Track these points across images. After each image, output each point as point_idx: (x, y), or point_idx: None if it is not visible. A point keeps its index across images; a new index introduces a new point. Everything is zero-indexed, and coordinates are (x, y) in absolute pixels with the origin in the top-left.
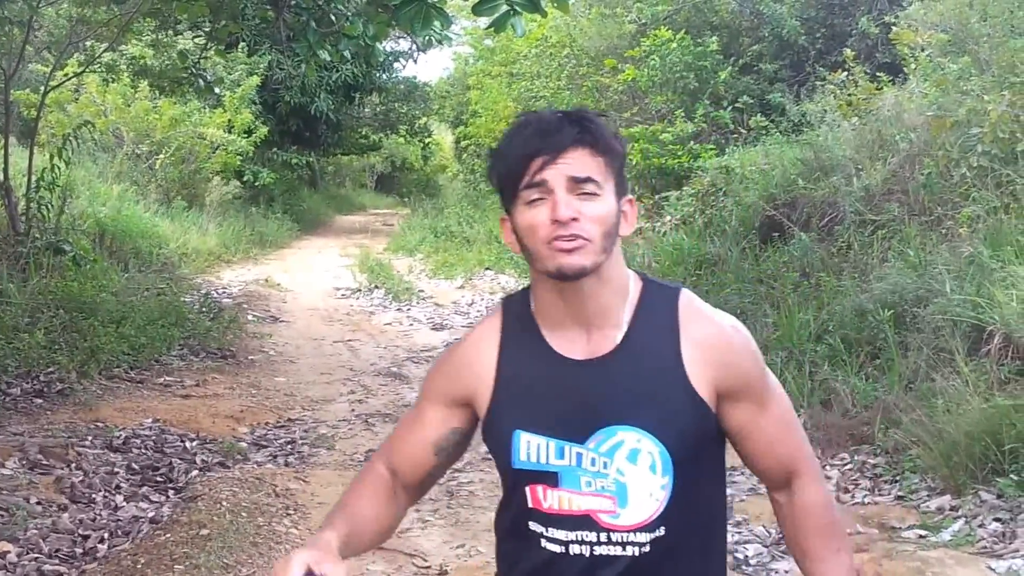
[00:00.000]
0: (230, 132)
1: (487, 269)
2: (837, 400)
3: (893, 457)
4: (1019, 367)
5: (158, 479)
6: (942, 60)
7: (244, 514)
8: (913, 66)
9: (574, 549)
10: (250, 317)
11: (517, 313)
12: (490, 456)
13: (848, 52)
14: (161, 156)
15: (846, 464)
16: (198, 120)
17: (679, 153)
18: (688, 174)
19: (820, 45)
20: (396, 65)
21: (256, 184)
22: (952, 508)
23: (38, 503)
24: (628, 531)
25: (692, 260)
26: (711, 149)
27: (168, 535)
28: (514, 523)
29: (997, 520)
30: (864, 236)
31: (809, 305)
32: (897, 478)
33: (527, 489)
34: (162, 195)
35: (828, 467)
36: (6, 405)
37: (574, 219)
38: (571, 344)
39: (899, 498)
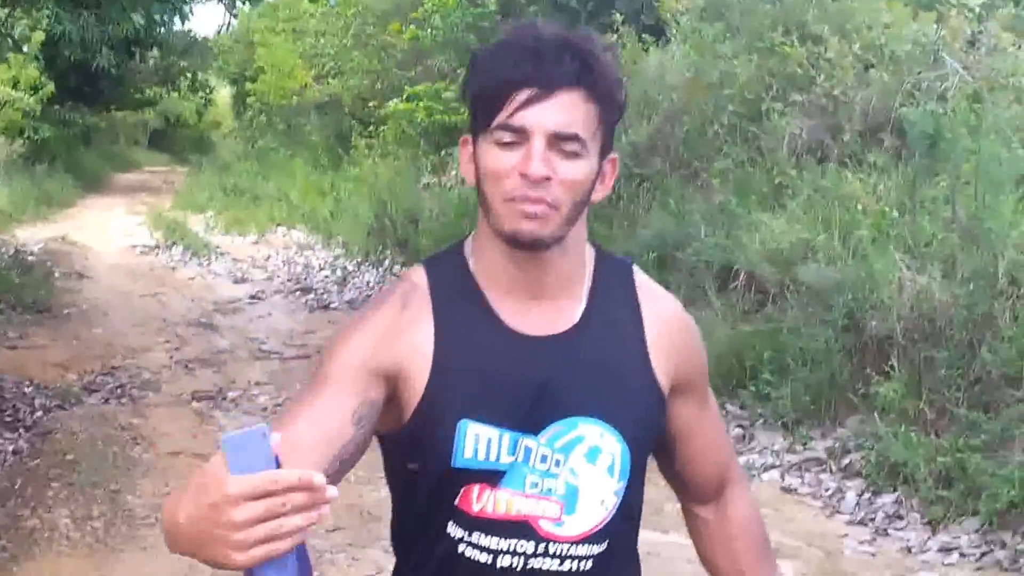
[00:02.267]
0: (15, 88)
1: (279, 225)
2: None
3: None
4: (760, 299)
5: (7, 419)
6: (700, 25)
7: (99, 443)
8: (674, 30)
9: (504, 560)
10: (57, 274)
11: (450, 276)
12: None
13: (617, 16)
14: None
15: None
16: None
17: (462, 110)
18: None
19: (591, 7)
20: (175, 19)
21: (38, 141)
22: None
23: None
24: (570, 542)
25: (476, 211)
26: None
27: (37, 461)
28: (427, 525)
29: (739, 427)
30: (632, 188)
31: None
32: None
33: (460, 490)
34: None
35: None
36: None
37: (547, 178)
38: (523, 317)
39: None
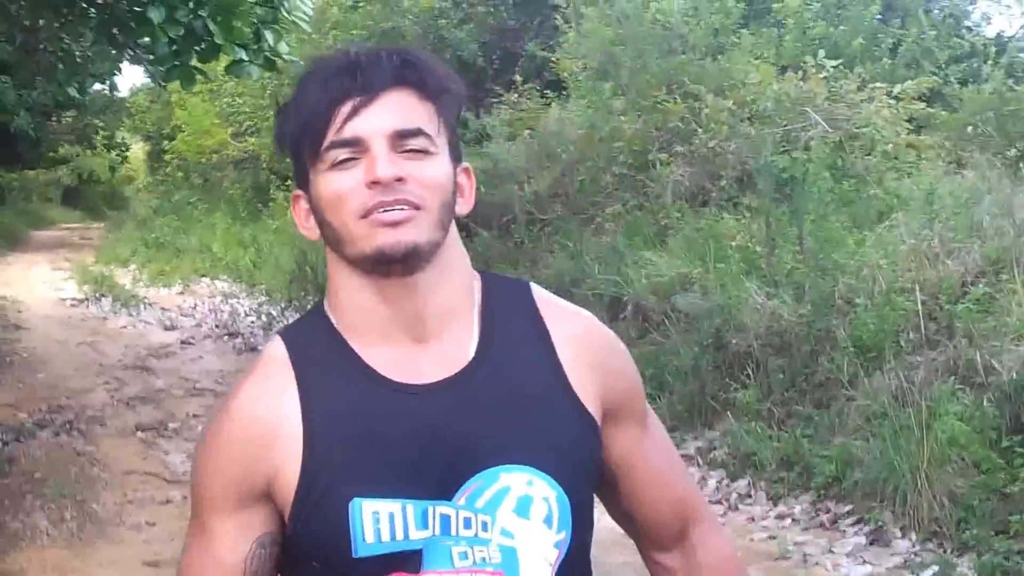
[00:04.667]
0: None
1: (202, 276)
2: None
3: None
4: (645, 327)
5: None
6: (596, 83)
7: (61, 465)
8: (572, 87)
9: None
10: None
11: (312, 339)
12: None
13: (519, 76)
14: None
15: None
16: None
17: None
18: None
19: (496, 66)
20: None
21: None
22: None
23: None
24: None
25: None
26: None
27: (7, 480)
28: None
29: None
30: (534, 232)
31: None
32: None
33: None
34: None
35: None
36: None
37: (399, 179)
38: (405, 365)
39: None
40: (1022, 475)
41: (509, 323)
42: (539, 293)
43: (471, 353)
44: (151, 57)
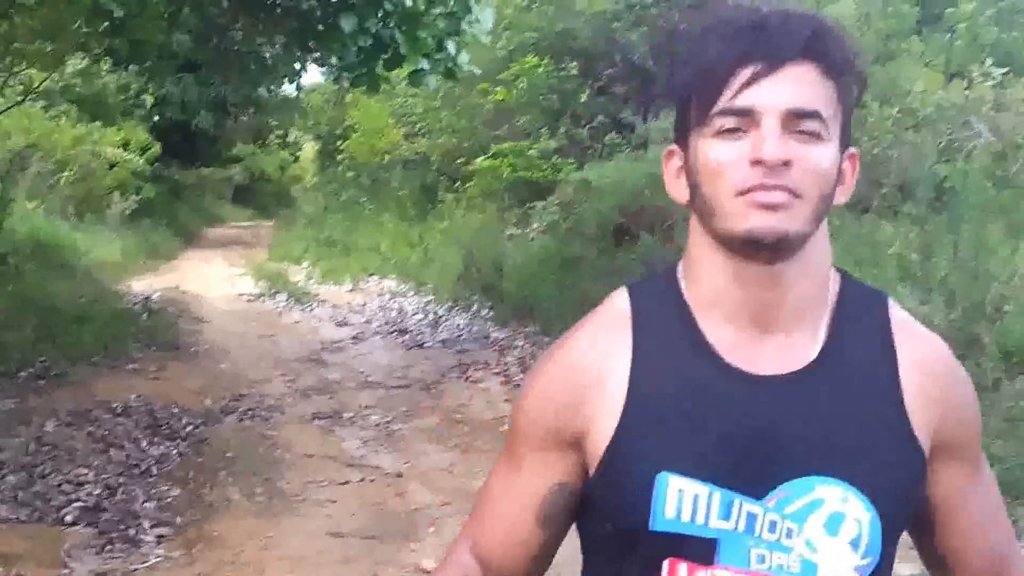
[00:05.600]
0: (125, 149)
1: (371, 275)
2: None
3: None
4: None
5: (165, 431)
6: None
7: (248, 447)
8: None
9: None
10: (179, 318)
11: (658, 302)
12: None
13: None
14: (65, 174)
15: None
16: (98, 139)
17: (544, 167)
18: (552, 186)
19: (666, 69)
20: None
21: (141, 199)
22: None
23: (78, 449)
24: None
25: (557, 260)
26: (571, 163)
27: (201, 458)
28: None
29: None
30: None
31: None
32: None
33: (664, 564)
34: (66, 210)
35: None
36: (18, 386)
37: (785, 163)
38: (746, 351)
39: None
40: None
41: (858, 332)
42: (895, 310)
43: (814, 354)
44: (337, 60)
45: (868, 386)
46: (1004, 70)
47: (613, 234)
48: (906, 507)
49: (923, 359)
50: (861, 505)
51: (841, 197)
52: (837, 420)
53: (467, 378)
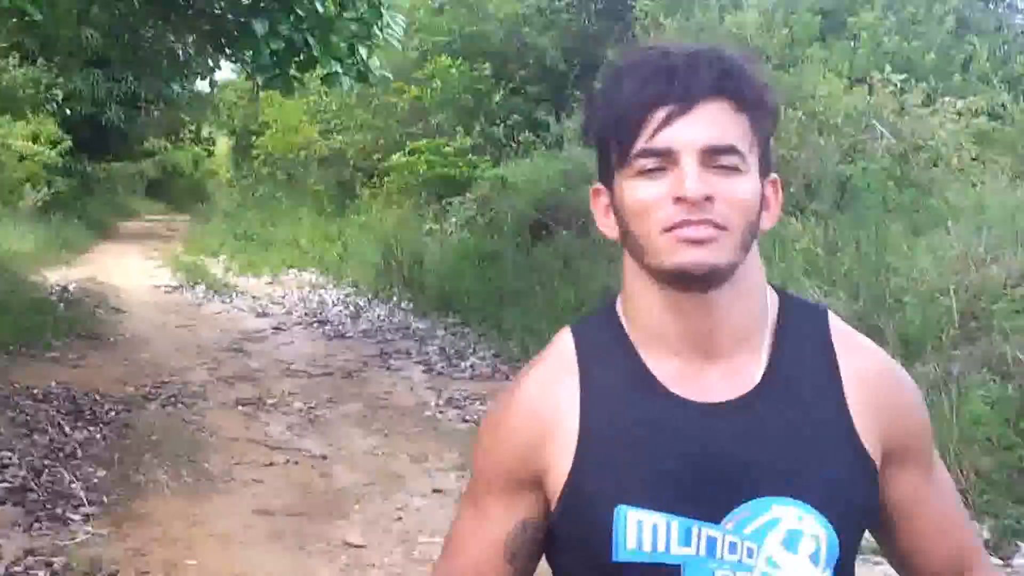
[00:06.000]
0: (35, 143)
1: (290, 267)
2: None
3: None
4: None
5: (88, 416)
6: None
7: (173, 431)
8: None
9: None
10: (97, 308)
11: (601, 339)
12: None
13: (598, 82)
14: None
15: None
16: (7, 132)
17: (460, 164)
18: (468, 182)
19: (577, 72)
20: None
21: (53, 192)
22: None
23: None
24: None
25: (476, 255)
26: (487, 161)
27: (128, 440)
28: None
29: None
30: None
31: (569, 285)
32: None
33: None
34: None
35: None
36: None
37: (707, 199)
38: (691, 381)
39: None
40: None
41: (800, 350)
42: (836, 323)
43: (757, 377)
44: (250, 61)
45: (814, 402)
46: (903, 76)
47: (530, 230)
48: (861, 518)
49: (866, 370)
50: (817, 522)
51: (767, 223)
52: (787, 440)
53: (389, 367)
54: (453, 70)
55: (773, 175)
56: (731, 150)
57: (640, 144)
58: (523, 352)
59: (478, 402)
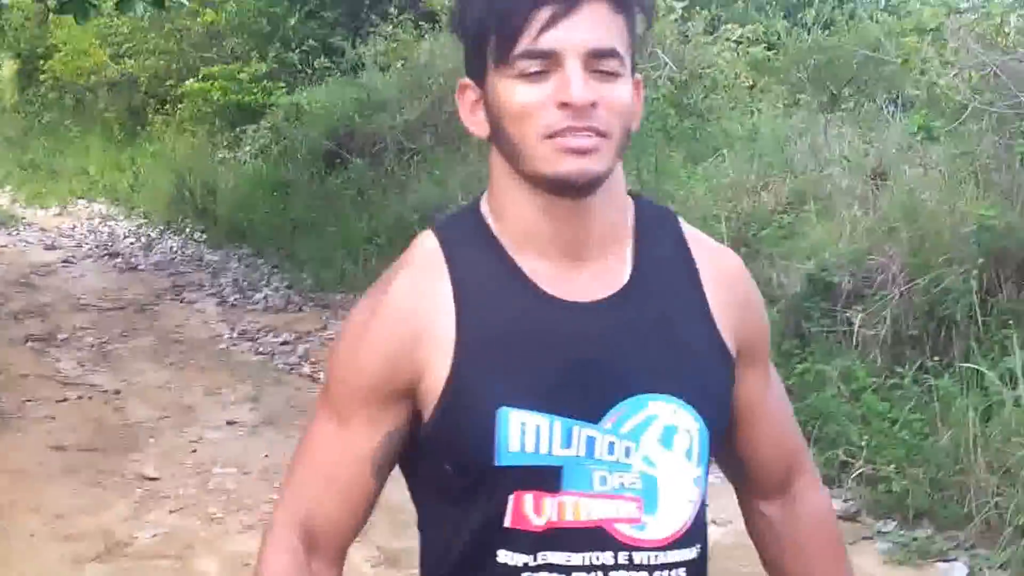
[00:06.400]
0: None
1: (79, 198)
2: None
3: None
4: None
5: None
6: None
7: None
8: (444, 20)
9: None
10: None
11: (468, 239)
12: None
13: (394, 7)
14: None
15: None
16: None
17: (255, 91)
18: (263, 110)
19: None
20: None
21: None
22: None
23: None
24: (657, 549)
25: (269, 184)
26: (282, 87)
27: None
28: (470, 556)
29: None
30: (404, 161)
31: (363, 215)
32: None
33: (509, 499)
34: None
35: None
36: None
37: (592, 105)
38: (563, 282)
39: None
40: (797, 370)
41: (661, 250)
42: (685, 225)
43: (626, 277)
44: None
45: (678, 301)
46: (684, 3)
47: (324, 158)
48: (726, 412)
49: (721, 269)
50: (690, 416)
51: (635, 125)
52: (658, 337)
53: (182, 300)
54: None
55: (637, 75)
56: (613, 53)
57: (523, 45)
58: (316, 284)
59: (271, 334)
